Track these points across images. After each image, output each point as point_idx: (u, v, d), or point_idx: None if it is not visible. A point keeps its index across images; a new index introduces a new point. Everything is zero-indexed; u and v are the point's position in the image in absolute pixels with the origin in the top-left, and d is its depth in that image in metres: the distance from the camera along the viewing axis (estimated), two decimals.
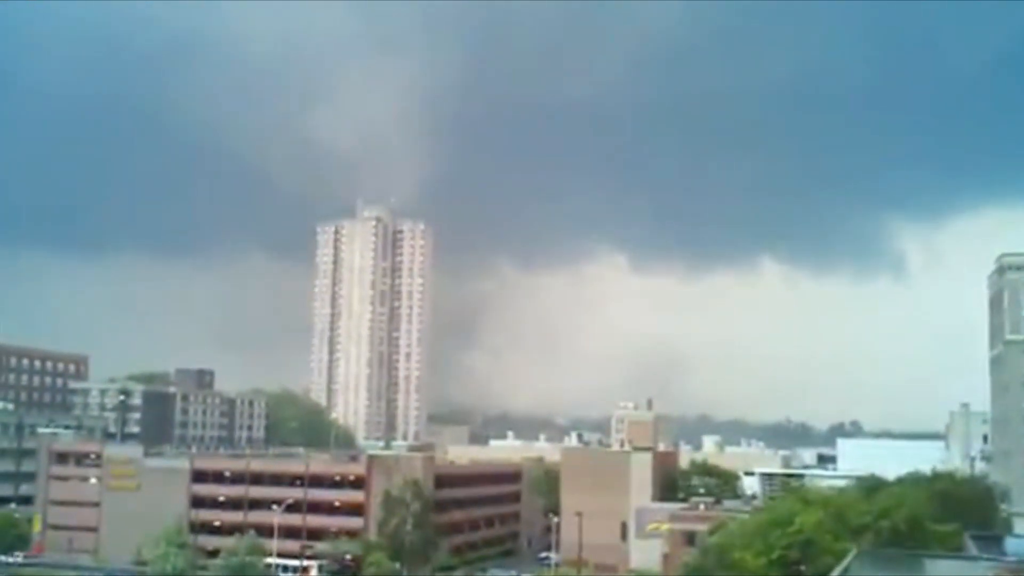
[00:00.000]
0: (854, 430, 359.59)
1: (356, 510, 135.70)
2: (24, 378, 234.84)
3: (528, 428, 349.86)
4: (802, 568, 74.70)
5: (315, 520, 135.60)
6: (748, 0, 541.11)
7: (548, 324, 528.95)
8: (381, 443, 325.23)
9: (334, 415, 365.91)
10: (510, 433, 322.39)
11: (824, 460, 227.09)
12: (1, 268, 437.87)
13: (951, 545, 77.51)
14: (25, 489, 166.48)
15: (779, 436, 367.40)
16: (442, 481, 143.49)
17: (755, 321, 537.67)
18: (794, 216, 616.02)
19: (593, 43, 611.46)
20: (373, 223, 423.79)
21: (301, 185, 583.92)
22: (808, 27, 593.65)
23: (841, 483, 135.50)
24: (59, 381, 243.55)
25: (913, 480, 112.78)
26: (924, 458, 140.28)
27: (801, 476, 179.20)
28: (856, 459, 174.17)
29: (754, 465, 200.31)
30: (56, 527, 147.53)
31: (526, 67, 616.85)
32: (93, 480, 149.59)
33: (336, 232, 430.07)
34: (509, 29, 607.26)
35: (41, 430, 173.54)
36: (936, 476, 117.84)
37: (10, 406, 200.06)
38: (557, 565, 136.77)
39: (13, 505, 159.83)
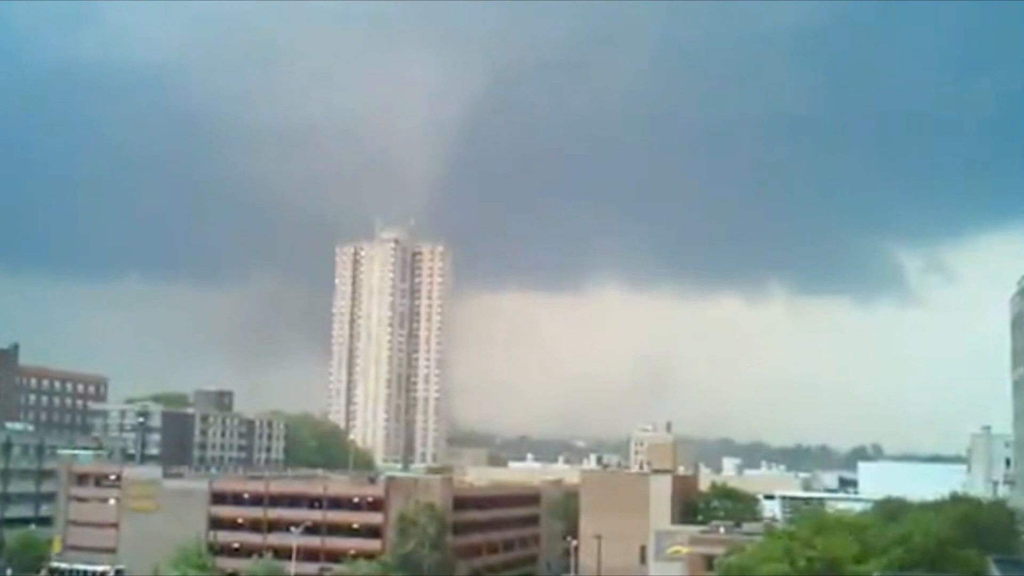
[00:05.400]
0: (875, 453, 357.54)
1: (375, 532, 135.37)
2: (44, 399, 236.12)
3: (547, 450, 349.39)
4: None
5: (333, 542, 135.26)
6: (752, 26, 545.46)
7: (563, 346, 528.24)
8: (400, 465, 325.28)
9: (352, 437, 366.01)
10: (529, 455, 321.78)
11: (845, 483, 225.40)
12: (18, 292, 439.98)
13: (974, 569, 76.86)
14: (45, 510, 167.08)
15: (800, 459, 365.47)
16: (461, 503, 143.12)
17: (766, 343, 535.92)
18: (800, 239, 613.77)
19: (598, 71, 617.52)
20: (392, 245, 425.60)
21: (318, 207, 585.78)
22: (811, 52, 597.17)
23: (862, 507, 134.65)
24: (79, 402, 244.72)
25: (935, 504, 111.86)
26: (946, 482, 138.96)
27: (822, 499, 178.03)
28: (877, 482, 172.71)
29: (774, 488, 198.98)
30: (76, 548, 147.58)
31: (534, 94, 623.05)
32: (112, 501, 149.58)
33: (355, 254, 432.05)
34: (517, 57, 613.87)
35: (61, 451, 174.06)
36: (958, 500, 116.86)
37: (30, 427, 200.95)
38: None
39: (33, 526, 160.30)
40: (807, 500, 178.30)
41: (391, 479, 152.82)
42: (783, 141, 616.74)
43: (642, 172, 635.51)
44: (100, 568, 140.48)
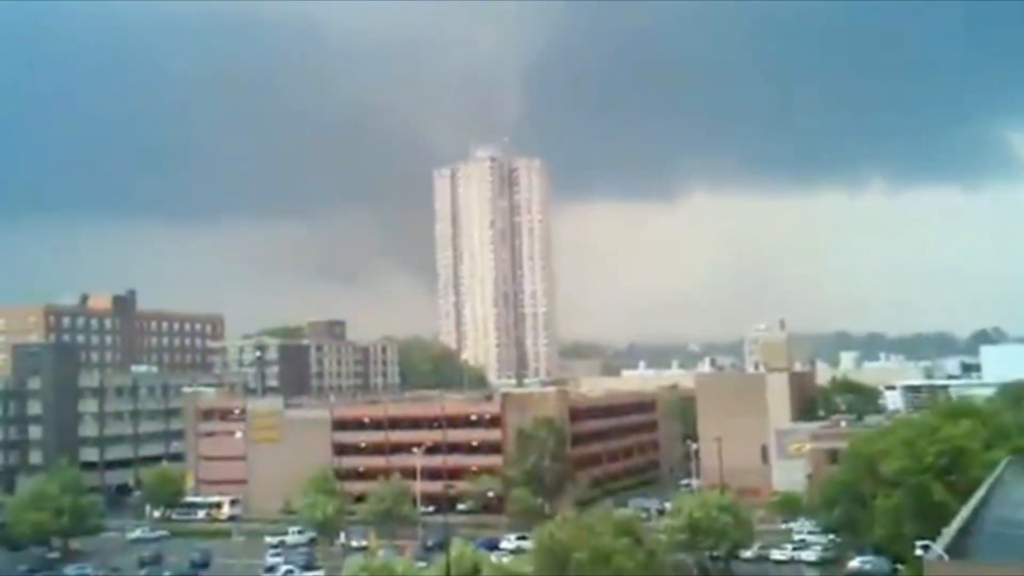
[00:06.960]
0: (997, 336, 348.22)
1: (494, 448, 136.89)
2: (164, 341, 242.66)
3: (660, 357, 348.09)
4: (953, 478, 72.52)
5: (455, 460, 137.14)
6: None
7: (668, 251, 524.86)
8: (513, 381, 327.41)
9: (465, 357, 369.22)
10: (642, 363, 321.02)
11: (968, 369, 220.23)
12: (132, 239, 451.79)
13: None
14: (175, 447, 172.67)
15: (919, 347, 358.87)
16: (577, 415, 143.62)
17: (873, 235, 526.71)
18: (903, 129, 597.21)
19: None
20: (488, 163, 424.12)
21: (412, 132, 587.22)
22: None
23: (988, 391, 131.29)
24: (197, 341, 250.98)
25: None
26: None
27: (945, 387, 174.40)
28: (1002, 366, 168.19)
29: (895, 379, 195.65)
30: (207, 482, 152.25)
31: (621, 10, 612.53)
32: (238, 434, 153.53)
33: (452, 175, 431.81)
34: None
35: (185, 389, 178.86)
36: None
37: (154, 369, 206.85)
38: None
39: (164, 463, 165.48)
40: (931, 388, 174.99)
41: (506, 395, 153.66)
42: (876, 24, 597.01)
43: (734, 76, 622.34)
44: (216, 499, 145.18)
